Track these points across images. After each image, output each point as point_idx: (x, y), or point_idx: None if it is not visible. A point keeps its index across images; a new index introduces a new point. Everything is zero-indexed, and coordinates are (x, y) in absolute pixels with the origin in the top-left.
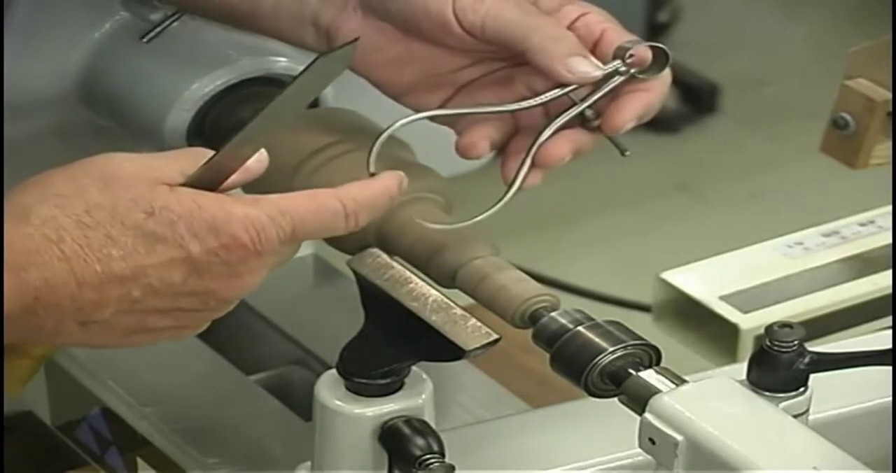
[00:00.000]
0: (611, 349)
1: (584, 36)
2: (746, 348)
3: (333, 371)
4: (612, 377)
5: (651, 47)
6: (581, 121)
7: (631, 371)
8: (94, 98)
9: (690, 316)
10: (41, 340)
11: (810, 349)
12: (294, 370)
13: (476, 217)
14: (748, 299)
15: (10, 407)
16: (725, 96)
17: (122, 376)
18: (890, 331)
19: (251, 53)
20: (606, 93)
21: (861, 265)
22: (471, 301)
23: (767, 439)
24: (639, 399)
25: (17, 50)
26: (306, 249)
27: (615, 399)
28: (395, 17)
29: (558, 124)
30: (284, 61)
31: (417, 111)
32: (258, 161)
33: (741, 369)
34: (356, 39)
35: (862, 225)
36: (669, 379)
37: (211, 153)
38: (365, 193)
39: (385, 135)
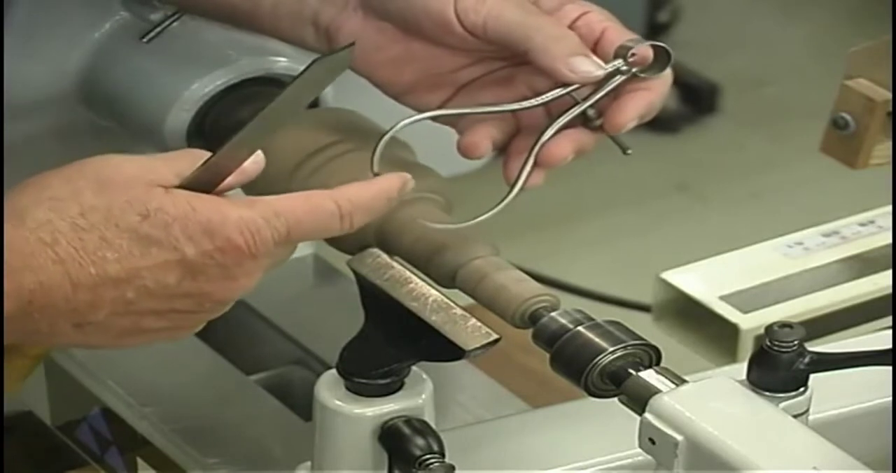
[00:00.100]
0: (611, 349)
1: (585, 35)
2: (746, 348)
3: (333, 371)
4: (612, 377)
5: (652, 46)
6: (583, 120)
7: (631, 371)
8: (94, 98)
9: (690, 316)
10: (37, 341)
11: (810, 349)
12: (294, 370)
13: (478, 217)
14: (748, 299)
15: (10, 407)
16: (725, 96)
17: (122, 376)
18: (890, 331)
19: (251, 53)
20: (608, 92)
21: (861, 265)
22: (471, 301)
23: (767, 439)
24: (639, 399)
25: (17, 50)
26: (306, 249)
27: (615, 399)
28: (395, 16)
29: (560, 124)
30: (284, 61)
31: (418, 110)
32: (254, 162)
33: (741, 369)
34: (353, 43)
35: (862, 225)
36: (669, 379)
37: (207, 155)
38: (361, 195)
39: (388, 135)
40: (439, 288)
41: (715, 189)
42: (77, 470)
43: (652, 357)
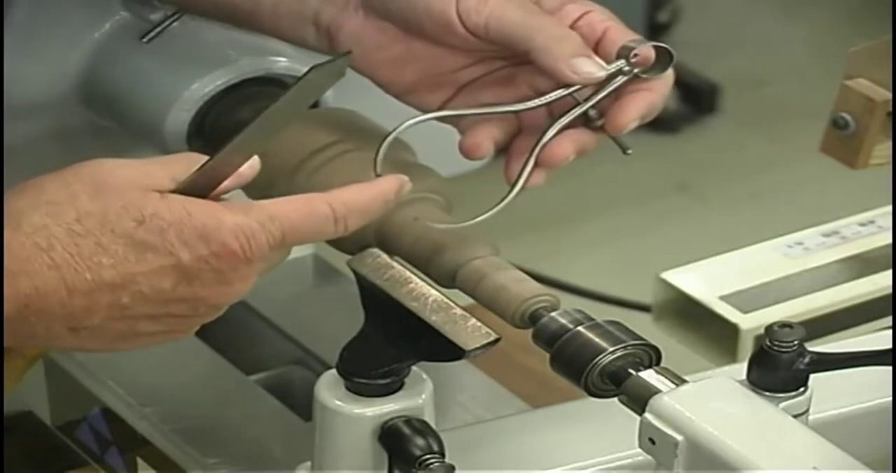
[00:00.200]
0: (611, 349)
1: (587, 34)
2: (746, 348)
3: (333, 371)
4: (612, 377)
5: (654, 47)
6: (584, 120)
7: (631, 371)
8: (94, 98)
9: (690, 316)
10: (34, 344)
11: (810, 349)
12: (294, 370)
13: (479, 216)
14: (748, 299)
15: (10, 407)
16: (725, 96)
17: (122, 376)
18: (890, 331)
19: (251, 53)
20: (610, 92)
21: (861, 265)
22: (471, 301)
23: (767, 439)
24: (639, 399)
25: (17, 50)
26: (306, 249)
27: (615, 399)
28: (396, 16)
29: (562, 124)
30: (284, 61)
31: (420, 110)
32: (250, 167)
33: (741, 369)
34: (350, 51)
35: (862, 225)
36: (669, 379)
37: (204, 158)
38: (357, 198)
39: (391, 137)
40: (439, 288)
41: (715, 189)
42: (77, 470)
43: (652, 357)
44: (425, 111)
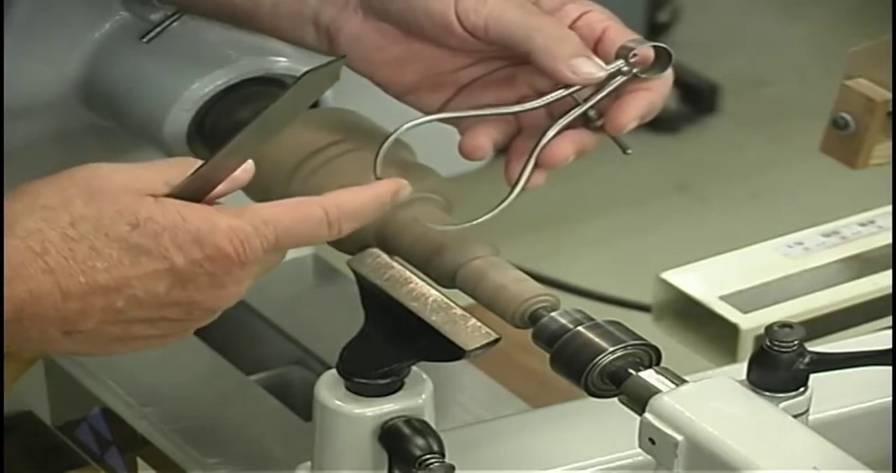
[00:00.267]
0: (611, 349)
1: (586, 34)
2: (746, 348)
3: (333, 371)
4: (612, 377)
5: (654, 47)
6: (584, 120)
7: (631, 371)
8: (94, 98)
9: (690, 316)
10: (29, 348)
11: (810, 349)
12: (294, 370)
13: (480, 217)
14: (748, 299)
15: (10, 407)
16: (725, 96)
17: (122, 376)
18: (890, 331)
19: (251, 53)
20: (609, 92)
21: (861, 265)
22: (471, 301)
23: (767, 439)
24: (639, 399)
25: (17, 50)
26: (306, 249)
27: (615, 399)
28: (395, 17)
29: (562, 125)
30: (284, 61)
31: (420, 110)
32: (244, 171)
33: (741, 369)
34: (343, 56)
35: (862, 225)
36: (669, 379)
37: (198, 163)
38: (351, 201)
39: (391, 139)
40: (439, 288)
41: (715, 189)
42: (77, 470)
43: (652, 357)
44: (425, 111)
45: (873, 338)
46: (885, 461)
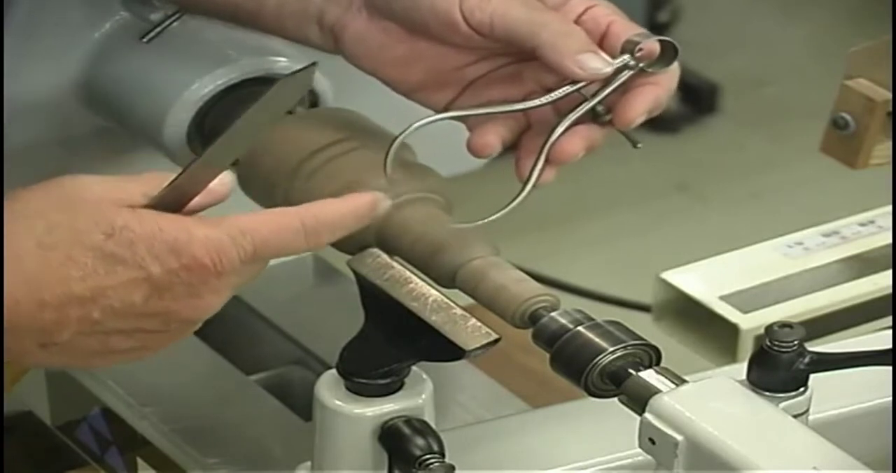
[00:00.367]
0: (611, 349)
1: (591, 29)
2: (746, 348)
3: (333, 371)
4: (612, 377)
5: (659, 41)
6: (592, 116)
7: (631, 371)
8: (94, 98)
9: (690, 316)
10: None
11: (810, 349)
12: (294, 370)
13: (493, 214)
14: (748, 299)
15: (10, 407)
16: (725, 96)
17: (122, 376)
18: (890, 331)
19: (251, 53)
20: (616, 87)
21: (861, 265)
22: (471, 301)
23: (767, 439)
24: (639, 399)
25: (17, 50)
26: None
27: (615, 399)
28: (400, 16)
29: (570, 121)
30: (284, 61)
31: (427, 108)
32: (222, 184)
33: (741, 369)
34: (315, 63)
35: (862, 225)
36: (669, 379)
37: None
38: (329, 213)
39: (400, 138)
40: (439, 288)
41: (715, 189)
42: (77, 470)
43: (652, 357)
44: (432, 109)
45: (873, 338)
46: (885, 461)
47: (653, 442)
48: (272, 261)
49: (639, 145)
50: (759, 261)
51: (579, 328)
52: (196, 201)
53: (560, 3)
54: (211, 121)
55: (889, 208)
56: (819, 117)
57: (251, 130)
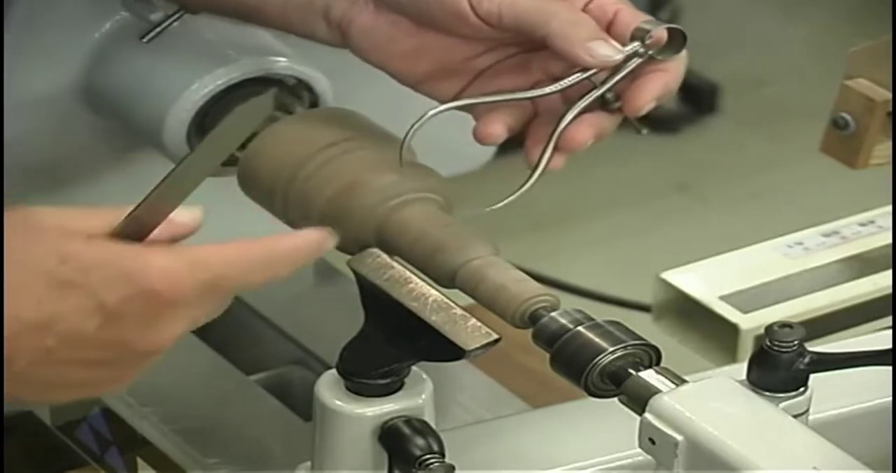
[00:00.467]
0: (611, 349)
1: (598, 17)
2: (746, 348)
3: (333, 371)
4: (612, 377)
5: (668, 29)
6: (601, 103)
7: (631, 371)
8: (94, 98)
9: (690, 316)
10: None
11: (810, 349)
12: (294, 370)
13: (502, 201)
14: (748, 299)
15: (10, 407)
16: (725, 96)
17: None
18: (890, 331)
19: (251, 53)
20: (625, 75)
21: (861, 265)
22: (471, 301)
23: (767, 439)
24: (639, 399)
25: (18, 49)
26: None
27: (615, 399)
28: (407, 8)
29: (580, 108)
30: (284, 61)
31: (435, 99)
32: (192, 219)
33: (741, 369)
34: (275, 89)
35: (862, 225)
36: (669, 379)
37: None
38: (285, 246)
39: (416, 127)
40: (439, 288)
41: (715, 189)
42: (77, 470)
43: (652, 357)
44: (441, 100)
45: (873, 338)
46: (885, 461)
47: (653, 442)
48: None
49: (644, 131)
50: (759, 261)
51: (579, 328)
52: (164, 234)
53: None
54: (211, 121)
55: (889, 208)
56: (819, 117)
57: (208, 159)
